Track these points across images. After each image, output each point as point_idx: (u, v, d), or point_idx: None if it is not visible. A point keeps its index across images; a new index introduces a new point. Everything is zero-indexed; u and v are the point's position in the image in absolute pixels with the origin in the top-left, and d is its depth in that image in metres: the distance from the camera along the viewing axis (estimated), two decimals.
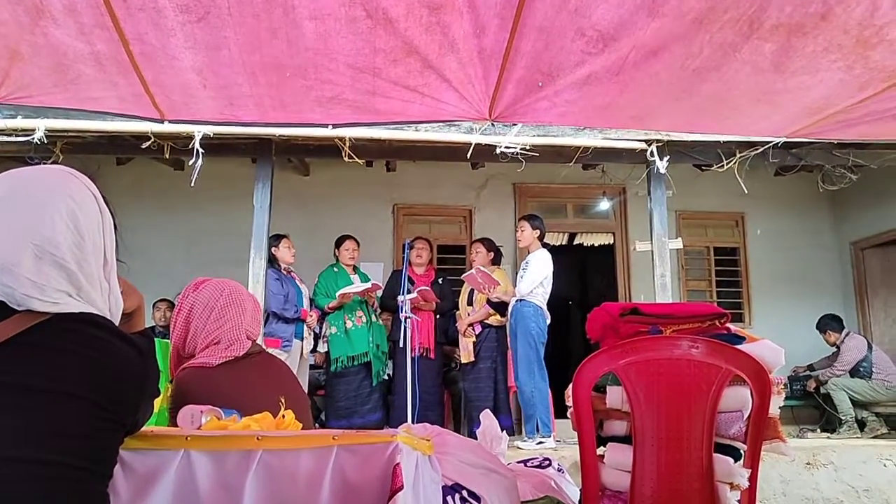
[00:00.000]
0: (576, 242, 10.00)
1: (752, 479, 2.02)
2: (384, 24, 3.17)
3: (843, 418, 7.03)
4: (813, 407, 7.74)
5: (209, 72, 3.74)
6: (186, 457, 1.44)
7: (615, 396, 2.03)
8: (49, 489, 1.08)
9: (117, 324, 1.30)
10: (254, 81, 3.85)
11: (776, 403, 2.02)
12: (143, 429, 1.36)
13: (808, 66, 3.44)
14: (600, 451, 2.15)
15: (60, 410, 1.11)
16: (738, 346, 2.00)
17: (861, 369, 7.10)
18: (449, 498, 1.81)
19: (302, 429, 1.88)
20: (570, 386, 2.09)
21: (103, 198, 1.32)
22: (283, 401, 1.86)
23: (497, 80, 3.70)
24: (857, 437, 6.73)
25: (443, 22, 3.14)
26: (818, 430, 7.50)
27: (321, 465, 1.44)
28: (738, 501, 2.04)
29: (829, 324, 7.42)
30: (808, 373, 7.77)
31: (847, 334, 7.32)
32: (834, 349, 7.46)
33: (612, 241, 8.64)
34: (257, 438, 1.47)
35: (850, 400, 7.02)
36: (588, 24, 3.06)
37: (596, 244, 9.73)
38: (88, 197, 1.27)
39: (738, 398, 1.99)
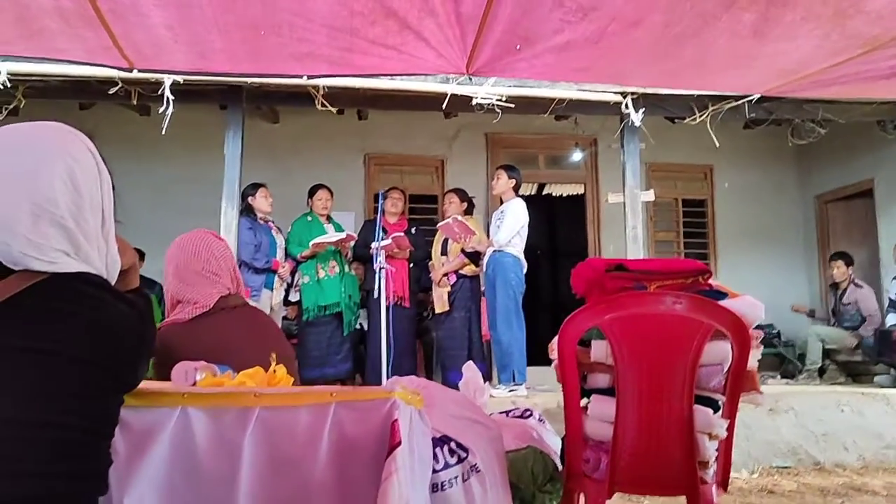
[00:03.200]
0: (545, 193, 10.04)
1: (730, 429, 2.10)
2: None
3: (809, 366, 7.22)
4: (773, 355, 7.95)
5: (181, 28, 3.65)
6: (184, 414, 1.44)
7: (600, 350, 2.07)
8: (53, 450, 1.08)
9: (114, 283, 1.30)
10: (227, 38, 3.76)
11: (755, 357, 2.09)
12: (140, 385, 1.36)
13: (785, 33, 3.47)
14: (583, 402, 2.20)
15: (62, 372, 1.10)
16: (720, 302, 2.04)
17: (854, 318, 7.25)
18: (438, 450, 1.84)
19: (292, 382, 1.90)
20: (555, 339, 2.13)
21: (101, 157, 1.29)
22: (273, 356, 1.86)
23: (474, 41, 3.66)
24: (817, 385, 6.94)
25: None
26: (778, 377, 7.72)
27: (319, 422, 1.45)
28: (717, 450, 2.11)
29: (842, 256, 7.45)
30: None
31: (853, 280, 7.38)
32: (831, 290, 7.58)
33: (582, 192, 8.69)
34: (255, 395, 1.48)
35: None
36: None
37: (565, 194, 9.77)
38: (87, 156, 1.24)
39: (718, 352, 2.04)
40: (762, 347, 2.15)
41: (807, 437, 5.21)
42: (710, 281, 2.15)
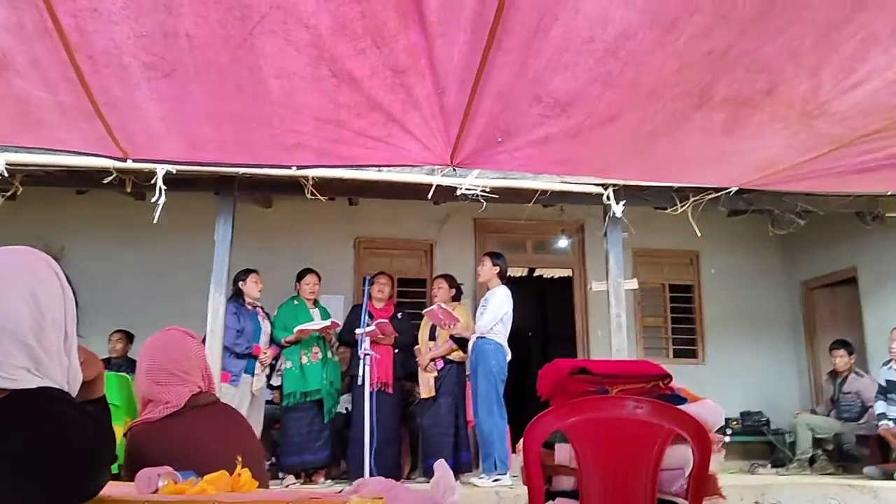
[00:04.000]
0: (536, 274, 10.13)
1: None
2: (349, 83, 3.21)
3: (799, 456, 7.17)
4: (763, 443, 7.91)
5: (174, 120, 3.76)
6: None
7: (563, 453, 2.11)
8: None
9: (76, 394, 1.34)
10: (218, 129, 3.88)
11: (716, 461, 2.12)
12: (102, 492, 1.39)
13: (755, 133, 3.60)
14: None
15: (22, 486, 1.14)
16: (681, 407, 2.09)
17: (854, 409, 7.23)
18: None
19: (258, 485, 1.92)
20: (521, 441, 2.16)
21: (66, 276, 1.36)
22: (239, 459, 1.89)
23: (458, 133, 3.78)
24: (807, 475, 6.88)
25: (406, 83, 3.19)
26: (769, 466, 7.66)
27: None
28: None
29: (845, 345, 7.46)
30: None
31: (854, 370, 7.39)
32: (830, 378, 7.56)
33: (571, 274, 8.78)
34: (214, 503, 1.51)
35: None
36: (545, 91, 3.15)
37: (555, 276, 9.86)
38: (51, 276, 1.31)
39: (679, 456, 2.08)
40: (724, 451, 2.18)
41: None
42: (672, 384, 2.19)
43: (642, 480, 2.04)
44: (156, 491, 1.62)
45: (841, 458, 7.25)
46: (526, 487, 2.20)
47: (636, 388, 2.16)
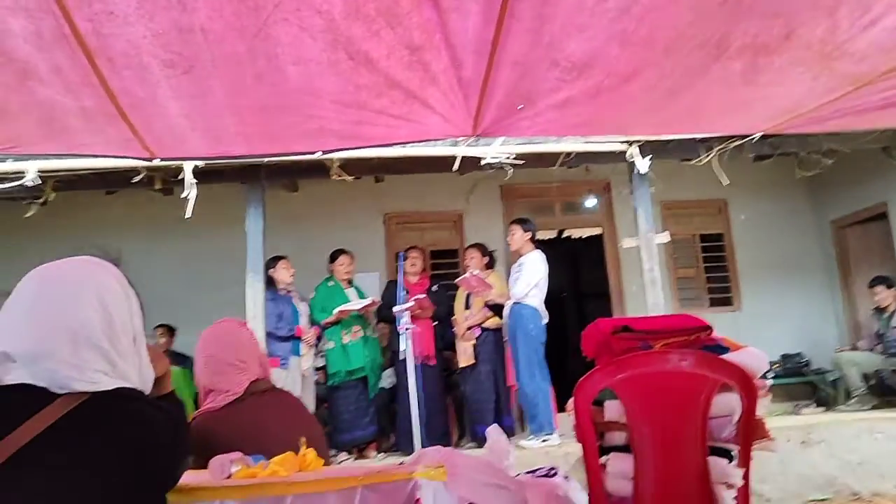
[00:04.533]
0: (565, 235, 10.14)
1: (746, 477, 2.16)
2: (366, 65, 3.25)
3: (855, 393, 7.16)
4: (805, 383, 7.93)
5: (197, 116, 3.83)
6: None
7: (613, 410, 2.17)
8: None
9: (149, 392, 1.43)
10: (241, 121, 3.94)
11: (763, 406, 2.16)
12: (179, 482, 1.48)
13: (776, 78, 3.59)
14: (603, 460, 2.28)
15: (108, 484, 1.22)
16: (724, 356, 2.13)
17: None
18: None
19: (323, 464, 2.01)
20: (571, 400, 2.22)
21: (127, 280, 1.43)
22: (303, 440, 1.97)
23: (477, 104, 3.81)
24: (850, 411, 6.89)
25: (423, 59, 3.22)
26: (813, 406, 7.68)
27: None
28: (735, 499, 2.18)
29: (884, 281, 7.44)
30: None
31: None
32: (876, 314, 7.54)
33: (601, 232, 8.80)
34: (286, 484, 1.59)
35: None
36: (561, 55, 3.17)
37: (584, 235, 9.87)
38: (114, 282, 1.39)
39: (727, 404, 2.13)
40: (769, 396, 2.22)
41: (842, 468, 5.19)
42: (713, 335, 2.23)
43: (692, 430, 2.10)
44: (229, 476, 1.71)
45: (882, 392, 7.23)
46: (578, 444, 2.27)
47: (679, 342, 2.21)
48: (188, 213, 5.09)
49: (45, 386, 1.24)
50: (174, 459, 1.37)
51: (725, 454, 2.17)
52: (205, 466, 1.87)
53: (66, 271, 1.37)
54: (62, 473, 1.19)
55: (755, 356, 2.18)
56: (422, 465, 1.69)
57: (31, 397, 1.23)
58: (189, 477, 1.60)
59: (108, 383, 1.29)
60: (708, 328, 2.23)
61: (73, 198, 5.97)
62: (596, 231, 8.98)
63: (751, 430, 2.14)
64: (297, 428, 2.29)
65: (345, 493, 1.57)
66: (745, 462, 2.17)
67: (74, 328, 1.28)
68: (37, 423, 1.19)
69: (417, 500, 1.56)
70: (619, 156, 5.94)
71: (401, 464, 2.01)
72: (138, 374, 1.38)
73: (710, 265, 8.83)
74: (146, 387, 1.41)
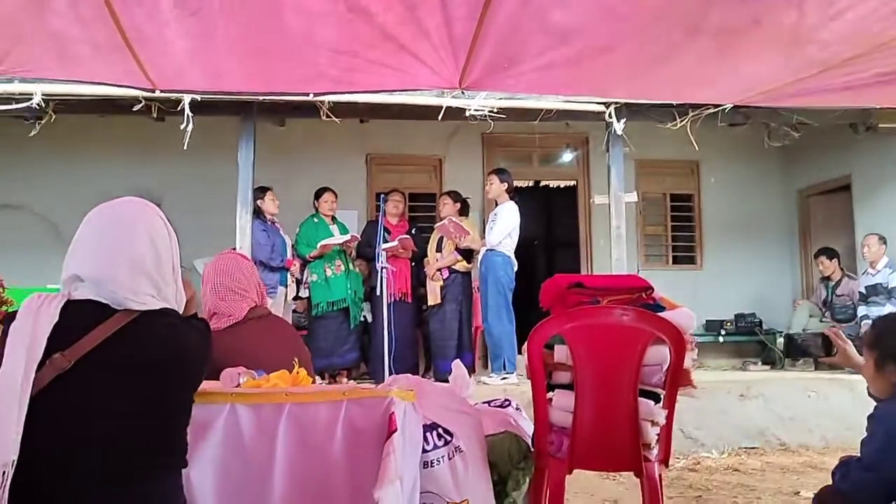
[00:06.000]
0: (542, 185, 10.44)
1: (669, 417, 2.54)
2: (364, 18, 3.47)
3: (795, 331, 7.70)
4: (756, 342, 8.43)
5: (199, 54, 4.05)
6: (232, 409, 1.91)
7: (561, 353, 2.52)
8: (154, 435, 1.55)
9: (182, 312, 1.75)
10: (241, 62, 4.16)
11: (689, 358, 2.53)
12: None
13: (748, 57, 3.87)
14: (550, 395, 2.65)
15: (157, 379, 1.57)
16: (660, 314, 2.49)
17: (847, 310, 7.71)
18: (428, 434, 2.29)
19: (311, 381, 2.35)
20: (526, 343, 2.58)
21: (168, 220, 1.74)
22: (296, 360, 2.32)
23: (465, 60, 4.06)
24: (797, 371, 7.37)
25: (417, 16, 3.46)
26: (759, 364, 8.18)
27: (335, 414, 1.92)
28: (658, 434, 2.56)
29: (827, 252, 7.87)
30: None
31: (846, 273, 7.84)
32: (823, 283, 8.01)
33: (575, 184, 9.12)
34: (286, 394, 1.94)
35: None
36: (548, 24, 3.43)
37: (561, 185, 10.17)
38: (160, 222, 1.70)
39: (659, 354, 2.48)
40: (696, 351, 2.58)
41: (774, 421, 5.68)
42: (654, 295, 2.58)
43: (627, 374, 2.46)
44: (238, 385, 2.05)
45: (789, 352, 7.70)
46: (530, 383, 2.64)
47: (623, 299, 2.55)
48: (185, 146, 5.32)
49: (107, 303, 1.56)
50: (202, 366, 1.71)
51: (654, 397, 2.54)
52: (209, 378, 2.20)
53: (124, 211, 1.68)
54: (120, 373, 1.53)
55: (686, 316, 2.53)
56: (397, 387, 2.03)
57: (95, 310, 1.55)
58: (205, 385, 1.94)
59: (154, 304, 1.61)
60: (649, 288, 2.57)
61: (68, 119, 6.14)
62: (571, 182, 9.29)
63: (676, 379, 2.51)
64: (290, 350, 2.64)
65: (333, 405, 1.92)
66: (669, 405, 2.54)
67: (131, 259, 1.60)
68: (101, 332, 1.51)
69: (392, 413, 1.91)
70: (597, 115, 6.23)
71: (377, 386, 2.37)
72: (175, 298, 1.70)
73: (678, 224, 9.21)
74: (180, 308, 1.73)
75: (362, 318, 6.77)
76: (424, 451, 2.22)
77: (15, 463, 1.39)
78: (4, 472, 1.39)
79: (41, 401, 1.45)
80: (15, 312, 1.58)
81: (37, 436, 1.43)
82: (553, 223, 12.18)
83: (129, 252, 1.61)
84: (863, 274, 7.42)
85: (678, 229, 9.21)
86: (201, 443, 1.86)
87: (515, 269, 6.19)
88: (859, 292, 7.35)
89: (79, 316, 1.54)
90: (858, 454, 2.19)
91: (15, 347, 1.47)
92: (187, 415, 1.66)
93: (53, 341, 1.49)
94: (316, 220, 6.66)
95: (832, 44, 3.77)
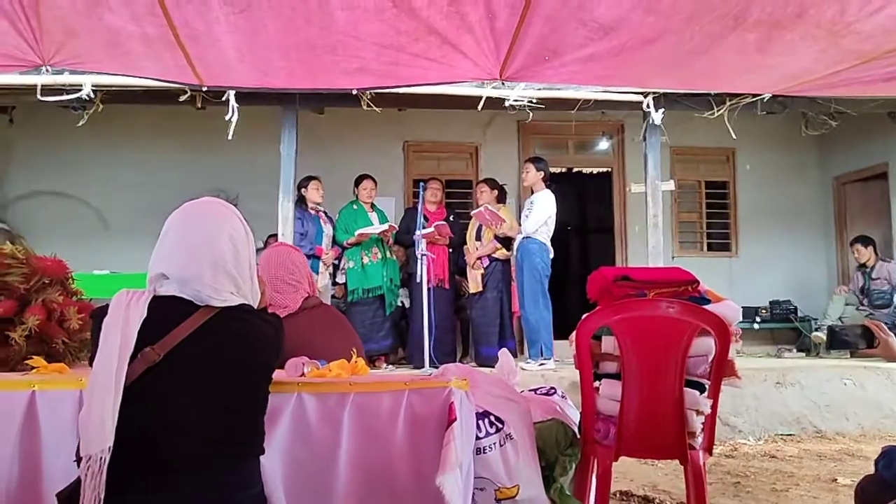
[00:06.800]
0: (575, 170, 10.46)
1: (714, 406, 2.62)
2: (408, 13, 3.55)
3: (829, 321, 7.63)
4: (790, 329, 8.41)
5: (247, 50, 4.15)
6: (299, 398, 2.01)
7: (609, 344, 2.60)
8: (237, 424, 1.66)
9: (256, 306, 1.85)
10: (286, 56, 4.25)
11: (733, 350, 2.59)
12: None
13: (787, 50, 3.89)
14: (596, 384, 2.73)
15: (238, 371, 1.67)
16: (705, 307, 2.55)
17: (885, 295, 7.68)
18: (480, 422, 2.38)
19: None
20: (574, 333, 2.66)
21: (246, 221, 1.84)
22: (354, 350, 2.42)
23: (507, 52, 4.12)
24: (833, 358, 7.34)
25: (461, 11, 3.52)
26: (794, 350, 8.17)
27: (397, 403, 2.01)
28: (703, 423, 2.64)
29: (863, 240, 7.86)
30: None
31: (881, 257, 7.82)
32: (859, 270, 7.96)
33: (610, 170, 9.14)
34: (350, 384, 2.04)
35: None
36: (590, 17, 3.47)
37: (595, 171, 10.18)
38: (239, 223, 1.80)
39: (704, 346, 2.55)
40: (741, 342, 2.65)
41: (811, 408, 5.71)
42: (700, 287, 2.65)
43: (673, 365, 2.53)
44: (303, 374, 2.15)
45: (831, 344, 7.64)
46: (571, 370, 2.72)
47: (669, 292, 2.62)
48: (230, 135, 5.44)
49: (190, 299, 1.67)
50: (277, 358, 1.82)
51: (699, 387, 2.61)
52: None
53: (207, 213, 1.78)
54: (204, 366, 1.63)
55: (731, 308, 2.59)
56: (455, 377, 2.12)
57: (180, 307, 1.66)
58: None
59: (234, 301, 1.72)
60: (695, 281, 2.64)
61: (113, 108, 6.28)
62: (605, 169, 9.30)
63: (721, 369, 2.57)
64: (343, 338, 2.76)
65: (396, 394, 2.01)
66: (714, 394, 2.61)
67: (214, 259, 1.70)
68: (186, 327, 1.62)
69: (451, 403, 2.00)
70: (635, 105, 6.26)
71: (430, 375, 2.46)
72: (251, 294, 1.81)
73: (712, 211, 9.19)
74: (255, 303, 1.83)
75: (399, 304, 6.89)
76: (477, 437, 2.31)
77: (111, 449, 1.51)
78: (102, 458, 1.50)
79: (134, 391, 1.56)
80: (103, 307, 1.69)
81: (130, 425, 1.54)
82: (587, 209, 12.19)
83: (211, 253, 1.71)
84: None
85: (713, 216, 9.19)
86: (270, 430, 1.95)
87: (552, 256, 6.26)
88: None
89: (165, 312, 1.65)
90: None
91: (109, 341, 1.58)
92: (265, 404, 1.77)
93: (143, 335, 1.60)
94: (355, 206, 6.77)
95: (873, 35, 3.78)
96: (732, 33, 3.78)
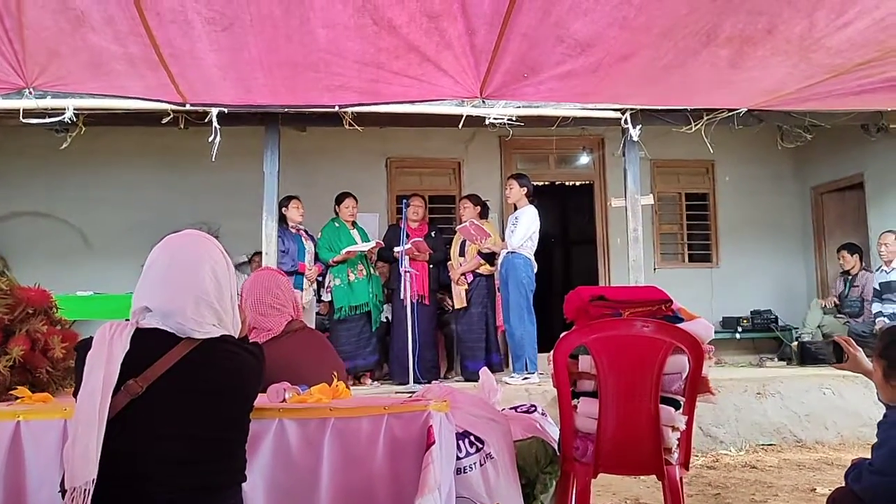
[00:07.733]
0: (557, 183, 10.53)
1: (689, 423, 2.67)
2: (388, 30, 3.59)
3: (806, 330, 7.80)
4: (771, 338, 8.52)
5: (230, 68, 4.19)
6: (280, 423, 2.05)
7: (585, 363, 2.65)
8: (217, 454, 1.69)
9: (238, 337, 1.89)
10: (269, 74, 4.30)
11: (707, 366, 2.65)
12: None
13: (758, 64, 3.98)
14: (574, 402, 2.78)
15: (218, 402, 1.71)
16: (679, 325, 2.61)
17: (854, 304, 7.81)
18: (460, 442, 2.42)
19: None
20: (552, 353, 2.71)
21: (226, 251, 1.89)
22: (335, 373, 2.46)
23: (486, 70, 4.19)
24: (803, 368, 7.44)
25: (440, 27, 3.57)
26: (775, 359, 8.27)
27: (377, 427, 2.05)
28: (678, 439, 2.69)
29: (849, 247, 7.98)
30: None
31: (864, 266, 7.95)
32: (842, 277, 8.08)
33: (592, 182, 9.22)
34: (330, 409, 2.08)
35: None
36: (566, 33, 3.54)
37: (577, 183, 10.26)
38: (220, 255, 1.84)
39: (678, 363, 2.61)
40: (714, 359, 2.71)
41: (791, 418, 5.78)
42: (673, 306, 2.71)
43: (648, 382, 2.58)
44: (283, 400, 2.19)
45: (803, 358, 7.74)
46: (553, 387, 2.77)
47: (644, 311, 2.68)
48: (213, 157, 5.48)
49: (173, 332, 1.71)
50: (258, 386, 1.86)
51: (674, 403, 2.66)
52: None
53: (188, 246, 1.82)
54: (186, 397, 1.67)
55: (704, 326, 2.65)
56: (432, 399, 2.17)
57: (163, 340, 1.70)
58: None
59: (216, 332, 1.76)
60: (669, 301, 2.69)
61: (96, 129, 6.30)
62: (587, 181, 9.38)
63: (696, 386, 2.63)
64: (326, 362, 2.79)
65: (375, 418, 2.06)
66: (689, 411, 2.67)
67: (196, 293, 1.74)
68: (168, 359, 1.66)
69: (430, 426, 2.04)
70: (613, 121, 6.35)
71: (411, 396, 2.50)
72: (233, 324, 1.85)
73: (693, 223, 9.30)
74: (236, 332, 1.87)
75: (385, 319, 6.93)
76: (458, 458, 2.35)
77: (95, 482, 1.54)
78: (87, 489, 1.53)
79: (117, 423, 1.60)
80: (87, 340, 1.73)
81: (114, 456, 1.58)
82: (569, 220, 12.28)
83: (194, 287, 1.75)
84: (877, 270, 7.49)
85: (693, 228, 9.31)
86: (252, 456, 1.99)
87: (535, 270, 6.32)
88: (874, 288, 7.41)
89: (148, 344, 1.69)
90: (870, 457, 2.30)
91: (93, 375, 1.62)
92: (246, 432, 1.81)
93: (126, 368, 1.64)
94: (337, 224, 6.81)
95: (843, 50, 3.87)
96: (705, 49, 3.86)
